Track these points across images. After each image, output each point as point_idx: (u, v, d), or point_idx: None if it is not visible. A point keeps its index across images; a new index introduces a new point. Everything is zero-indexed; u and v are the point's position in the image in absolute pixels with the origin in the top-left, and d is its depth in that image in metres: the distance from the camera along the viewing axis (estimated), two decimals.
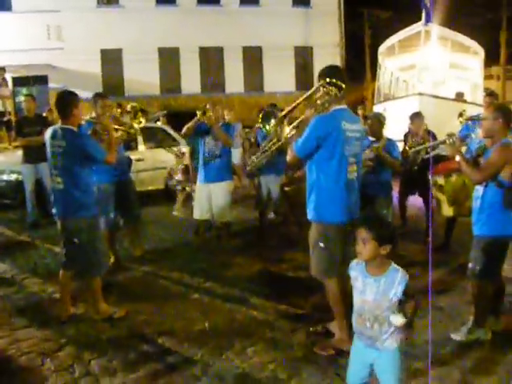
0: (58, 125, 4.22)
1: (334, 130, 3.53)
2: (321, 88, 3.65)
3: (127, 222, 5.89)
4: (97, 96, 5.46)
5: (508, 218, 3.71)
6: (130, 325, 4.29)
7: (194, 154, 7.04)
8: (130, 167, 6.10)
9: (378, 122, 5.63)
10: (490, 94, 6.92)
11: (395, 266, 2.62)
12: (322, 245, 3.64)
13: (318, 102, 3.67)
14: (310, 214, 3.73)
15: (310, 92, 3.73)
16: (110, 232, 5.61)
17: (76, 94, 4.35)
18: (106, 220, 5.44)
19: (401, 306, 2.53)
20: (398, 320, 2.50)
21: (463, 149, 4.23)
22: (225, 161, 6.07)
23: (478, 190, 3.85)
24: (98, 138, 4.59)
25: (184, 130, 5.99)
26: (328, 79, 3.61)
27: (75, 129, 4.21)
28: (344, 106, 3.71)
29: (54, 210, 4.34)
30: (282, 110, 3.82)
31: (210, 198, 6.04)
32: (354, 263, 2.76)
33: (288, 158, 3.82)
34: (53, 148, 4.18)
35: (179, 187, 8.32)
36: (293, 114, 3.76)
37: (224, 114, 10.63)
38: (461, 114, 6.04)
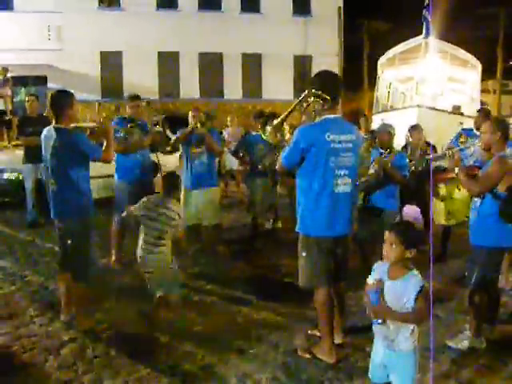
0: (52, 125, 4.19)
1: (315, 141, 3.48)
2: (308, 97, 3.62)
3: None
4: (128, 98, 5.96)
5: (504, 229, 3.76)
6: (132, 324, 4.33)
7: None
8: (156, 171, 6.14)
9: (388, 133, 5.52)
10: (480, 109, 7.08)
11: (415, 272, 2.71)
12: (304, 255, 3.68)
13: (309, 110, 3.66)
14: (297, 225, 3.75)
15: (296, 102, 3.70)
16: (120, 231, 5.67)
17: (71, 94, 4.29)
18: (117, 218, 5.50)
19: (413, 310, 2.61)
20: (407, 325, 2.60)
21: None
22: (211, 166, 6.15)
23: (476, 201, 3.92)
24: (96, 138, 4.56)
25: (172, 141, 6.22)
26: (313, 90, 3.57)
27: (68, 128, 4.12)
28: (333, 116, 3.61)
29: (52, 214, 4.31)
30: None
31: (197, 204, 6.05)
32: (377, 264, 2.84)
33: (277, 165, 3.86)
34: (47, 149, 4.15)
35: None
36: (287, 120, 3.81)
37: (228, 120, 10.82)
38: (461, 135, 6.20)
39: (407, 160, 5.64)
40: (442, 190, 5.76)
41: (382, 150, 5.46)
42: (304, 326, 4.23)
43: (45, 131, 4.25)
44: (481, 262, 3.84)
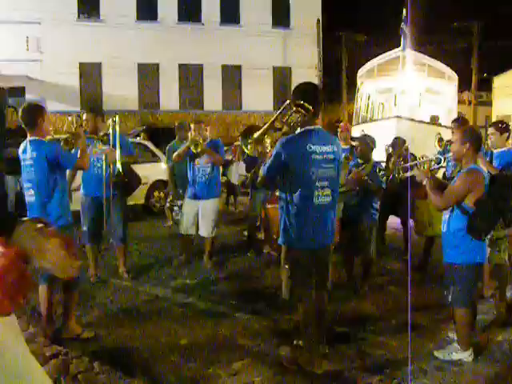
0: (28, 138, 4.20)
1: (296, 152, 3.47)
2: (288, 109, 3.63)
3: (118, 239, 5.76)
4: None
5: (474, 244, 3.68)
6: (115, 340, 4.27)
7: (174, 170, 7.10)
8: (137, 183, 6.08)
9: (366, 144, 5.57)
10: (456, 119, 7.18)
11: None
12: (286, 267, 3.69)
13: (289, 121, 3.65)
14: (280, 237, 3.75)
15: (277, 113, 3.70)
16: (95, 247, 5.63)
17: (42, 107, 4.33)
18: (90, 234, 5.45)
19: None
20: None
21: (441, 171, 4.33)
22: (214, 177, 6.21)
23: (445, 215, 3.85)
24: (70, 146, 4.55)
25: (174, 157, 6.23)
26: (295, 101, 3.56)
27: (44, 139, 4.16)
28: (314, 127, 3.60)
29: None
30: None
31: (197, 214, 6.14)
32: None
33: (259, 177, 3.86)
34: (24, 161, 4.18)
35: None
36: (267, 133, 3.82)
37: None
38: (440, 139, 6.26)
39: (383, 171, 5.67)
40: (420, 203, 5.82)
41: (360, 161, 5.51)
42: (289, 337, 4.21)
43: (22, 145, 4.26)
44: (455, 280, 3.77)
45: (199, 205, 6.16)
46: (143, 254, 6.99)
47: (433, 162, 4.53)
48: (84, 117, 5.55)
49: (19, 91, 19.71)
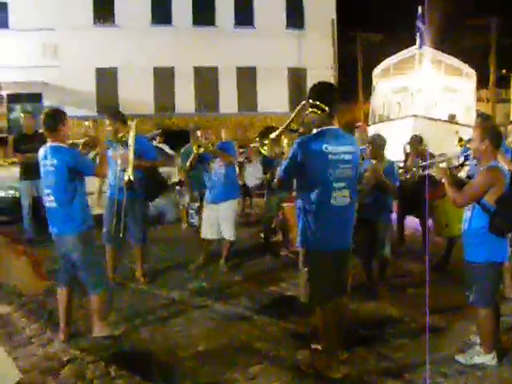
0: (48, 144, 4.20)
1: (313, 153, 3.41)
2: (304, 109, 3.58)
3: (136, 240, 5.78)
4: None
5: (495, 243, 3.61)
6: (132, 343, 4.26)
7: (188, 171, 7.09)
8: (163, 188, 6.09)
9: (377, 144, 5.49)
10: (479, 115, 7.06)
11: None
12: (305, 270, 3.63)
13: (306, 122, 3.62)
14: (297, 239, 3.69)
15: (293, 114, 3.66)
16: (114, 248, 5.63)
17: (63, 112, 4.31)
18: (109, 235, 5.47)
19: None
20: None
21: (465, 169, 4.25)
22: (230, 179, 6.20)
23: (467, 213, 3.78)
24: (88, 149, 4.70)
25: (187, 166, 6.32)
26: (311, 101, 3.51)
27: (64, 145, 4.18)
28: (331, 127, 3.53)
29: (50, 229, 4.32)
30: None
31: (217, 218, 6.14)
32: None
33: (276, 178, 3.81)
34: (45, 167, 4.19)
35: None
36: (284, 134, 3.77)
37: (221, 133, 10.80)
38: (460, 139, 6.15)
39: (398, 170, 5.59)
40: (437, 202, 5.72)
41: (373, 161, 5.43)
42: (307, 341, 4.15)
43: (42, 150, 4.26)
44: (476, 280, 3.69)
45: (218, 208, 6.14)
46: (159, 257, 6.96)
47: (453, 161, 4.44)
48: (106, 122, 5.58)
49: (37, 97, 19.97)
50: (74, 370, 3.81)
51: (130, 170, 5.32)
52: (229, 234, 6.19)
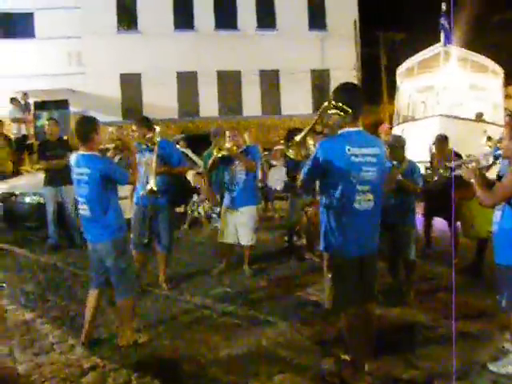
0: (80, 151, 4.21)
1: (335, 154, 3.32)
2: (327, 110, 3.48)
3: (162, 247, 5.71)
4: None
5: None
6: (154, 350, 4.21)
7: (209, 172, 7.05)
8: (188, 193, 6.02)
9: (395, 145, 5.32)
10: (509, 114, 6.88)
11: None
12: (329, 275, 3.52)
13: (330, 123, 3.51)
14: (320, 244, 3.59)
15: (317, 116, 3.56)
16: (141, 255, 5.61)
17: (96, 120, 4.31)
18: (136, 242, 5.47)
19: None
20: None
21: (495, 169, 4.08)
22: (250, 185, 6.09)
23: (496, 214, 3.64)
24: (118, 153, 4.74)
25: (209, 167, 6.23)
26: (333, 102, 3.41)
27: (97, 154, 4.19)
28: (354, 129, 3.43)
29: (85, 236, 4.36)
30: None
31: (235, 223, 6.06)
32: None
33: (298, 180, 3.72)
34: (77, 176, 4.19)
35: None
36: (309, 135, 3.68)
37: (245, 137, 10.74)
38: (489, 138, 5.96)
39: (420, 171, 5.43)
40: (463, 203, 5.55)
41: (394, 162, 5.29)
42: (332, 350, 4.04)
43: (74, 158, 4.27)
44: (508, 283, 3.54)
45: (237, 213, 6.07)
46: (182, 262, 6.92)
47: (482, 161, 4.28)
48: (133, 127, 5.56)
49: (63, 104, 20.25)
50: (95, 377, 3.78)
51: (152, 181, 5.26)
52: (246, 239, 6.10)
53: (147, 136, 5.46)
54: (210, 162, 6.13)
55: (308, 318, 4.77)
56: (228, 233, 6.12)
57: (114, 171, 4.19)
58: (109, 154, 4.70)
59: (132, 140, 4.82)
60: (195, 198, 9.20)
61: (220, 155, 5.94)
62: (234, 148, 5.92)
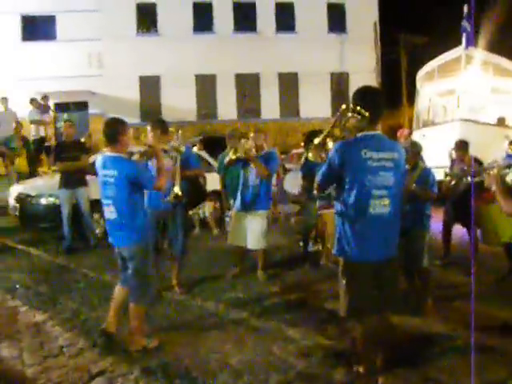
0: (108, 153, 4.17)
1: (351, 158, 3.26)
2: (345, 113, 3.41)
3: (177, 251, 5.63)
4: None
5: None
6: (164, 356, 4.14)
7: (224, 180, 7.00)
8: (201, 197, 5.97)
9: (410, 151, 5.12)
10: None
11: None
12: (343, 281, 3.42)
13: (349, 126, 3.43)
14: (334, 248, 3.50)
15: (335, 119, 3.49)
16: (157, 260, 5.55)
17: (124, 122, 4.27)
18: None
19: None
20: None
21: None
22: (263, 190, 6.00)
23: None
24: (146, 158, 4.75)
25: (223, 169, 6.38)
26: (351, 105, 3.35)
27: (124, 156, 4.16)
28: (372, 132, 3.35)
29: (110, 239, 4.31)
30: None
31: (245, 226, 5.98)
32: None
33: (314, 185, 3.63)
34: (104, 177, 4.15)
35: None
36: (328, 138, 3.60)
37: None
38: (511, 143, 5.80)
39: (435, 178, 5.24)
40: (484, 209, 5.39)
41: (408, 167, 5.14)
42: (344, 359, 3.93)
43: (100, 159, 4.23)
44: None
45: (247, 216, 5.99)
46: (195, 266, 6.85)
47: (503, 167, 4.12)
48: (148, 129, 5.43)
49: (83, 106, 20.47)
50: (102, 382, 3.73)
51: (177, 187, 5.19)
52: (253, 244, 6.01)
53: (173, 144, 5.39)
54: (226, 162, 6.06)
55: (321, 326, 4.64)
56: (237, 235, 6.05)
57: (141, 175, 4.15)
58: (134, 157, 4.66)
59: (160, 146, 4.74)
60: None
61: (234, 157, 5.87)
62: (250, 151, 5.83)
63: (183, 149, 5.35)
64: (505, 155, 6.53)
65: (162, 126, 5.46)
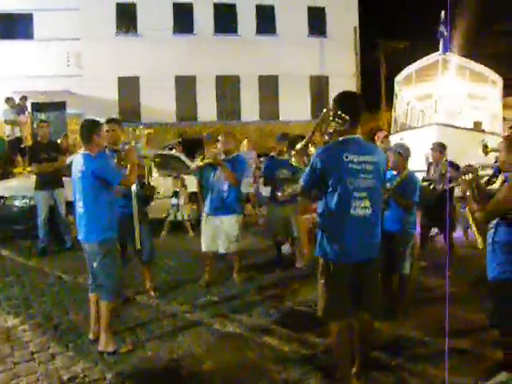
0: (81, 151, 4.35)
1: (332, 161, 3.32)
2: (326, 118, 3.49)
3: (144, 254, 5.50)
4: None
5: None
6: (136, 362, 4.08)
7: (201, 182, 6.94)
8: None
9: (398, 154, 5.12)
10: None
11: None
12: (321, 282, 3.44)
13: (328, 131, 3.51)
14: (316, 248, 3.52)
15: (316, 124, 3.57)
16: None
17: (98, 122, 4.45)
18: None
19: None
20: None
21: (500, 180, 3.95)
22: (234, 194, 5.92)
23: (490, 227, 3.56)
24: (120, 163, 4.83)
25: (193, 168, 6.29)
26: (332, 110, 3.43)
27: (93, 154, 4.26)
28: (353, 136, 3.42)
29: (78, 236, 4.36)
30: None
31: (216, 230, 5.91)
32: None
33: (299, 188, 3.67)
34: (75, 174, 4.29)
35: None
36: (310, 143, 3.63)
37: (242, 143, 10.67)
38: (486, 146, 5.84)
39: (418, 184, 5.23)
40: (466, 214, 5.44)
41: (394, 172, 5.15)
42: (321, 364, 3.92)
43: (75, 157, 4.45)
44: (500, 299, 3.48)
45: (218, 221, 5.90)
46: (170, 269, 6.80)
47: (480, 172, 4.14)
48: (105, 128, 5.21)
49: (61, 106, 20.21)
50: None
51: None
52: (224, 248, 5.91)
53: (118, 139, 5.36)
54: (192, 168, 6.11)
55: (296, 330, 4.62)
56: (208, 241, 5.95)
57: (106, 171, 4.26)
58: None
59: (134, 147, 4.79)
60: (174, 201, 9.11)
61: (202, 163, 5.89)
62: (218, 156, 5.78)
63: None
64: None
65: (118, 123, 5.48)
